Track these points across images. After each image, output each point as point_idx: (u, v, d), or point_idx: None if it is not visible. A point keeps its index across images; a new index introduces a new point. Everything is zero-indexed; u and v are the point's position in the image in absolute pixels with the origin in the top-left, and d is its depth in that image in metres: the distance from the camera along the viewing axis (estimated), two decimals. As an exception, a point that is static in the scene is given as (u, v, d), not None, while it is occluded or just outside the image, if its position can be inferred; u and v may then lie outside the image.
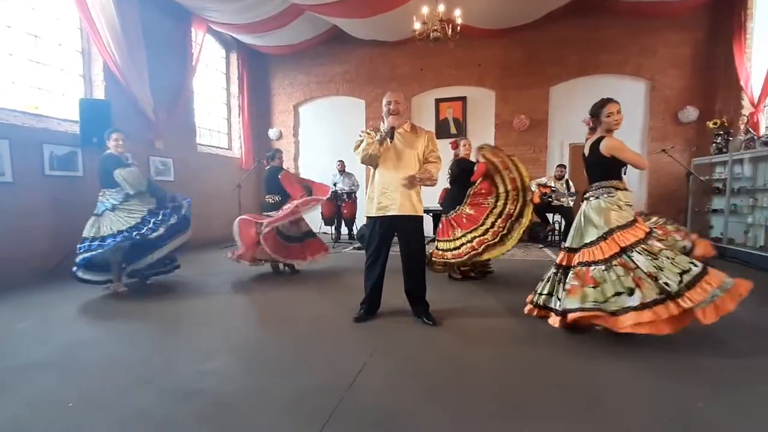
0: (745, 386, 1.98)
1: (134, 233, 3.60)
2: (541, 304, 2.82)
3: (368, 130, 2.94)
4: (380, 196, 2.88)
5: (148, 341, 2.66)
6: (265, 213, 4.58)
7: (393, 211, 2.84)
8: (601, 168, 2.68)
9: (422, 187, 2.95)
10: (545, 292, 2.81)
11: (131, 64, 5.50)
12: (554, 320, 2.64)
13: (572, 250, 2.75)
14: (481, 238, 3.89)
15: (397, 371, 2.16)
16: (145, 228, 3.65)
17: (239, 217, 4.47)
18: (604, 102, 2.66)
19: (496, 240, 3.87)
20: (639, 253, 2.44)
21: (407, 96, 8.08)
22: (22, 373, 2.17)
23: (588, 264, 2.55)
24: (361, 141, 2.88)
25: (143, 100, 5.81)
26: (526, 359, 2.31)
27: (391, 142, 2.83)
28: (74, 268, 3.64)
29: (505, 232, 3.89)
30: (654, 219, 2.88)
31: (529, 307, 2.90)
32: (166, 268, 4.23)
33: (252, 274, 4.61)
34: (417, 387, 1.98)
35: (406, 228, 2.91)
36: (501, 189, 4.02)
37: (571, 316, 2.49)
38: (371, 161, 2.88)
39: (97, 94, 5.46)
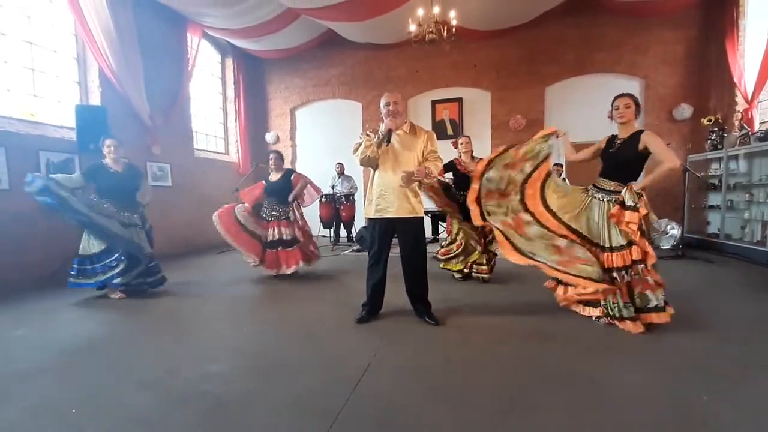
0: (748, 380, 1.99)
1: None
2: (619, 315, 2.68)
3: (368, 132, 2.94)
4: (378, 198, 2.88)
5: (148, 346, 2.64)
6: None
7: (391, 213, 2.84)
8: (631, 165, 2.68)
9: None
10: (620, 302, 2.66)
11: (127, 70, 5.49)
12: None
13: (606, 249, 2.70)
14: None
15: (402, 371, 2.16)
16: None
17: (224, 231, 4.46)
18: (616, 96, 2.75)
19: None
20: None
21: (403, 98, 8.05)
22: (20, 379, 2.15)
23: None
24: (360, 143, 2.88)
25: (139, 105, 5.80)
26: (529, 357, 2.31)
27: (387, 145, 2.82)
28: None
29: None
30: None
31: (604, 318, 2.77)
32: (151, 279, 3.99)
33: (251, 276, 4.60)
34: (421, 386, 1.98)
35: (405, 229, 2.90)
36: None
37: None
38: (370, 163, 2.88)
39: (93, 100, 5.44)
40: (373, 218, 2.91)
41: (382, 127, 2.83)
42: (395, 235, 2.95)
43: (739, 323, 2.77)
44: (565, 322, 2.84)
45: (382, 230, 2.90)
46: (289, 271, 4.40)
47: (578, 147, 3.12)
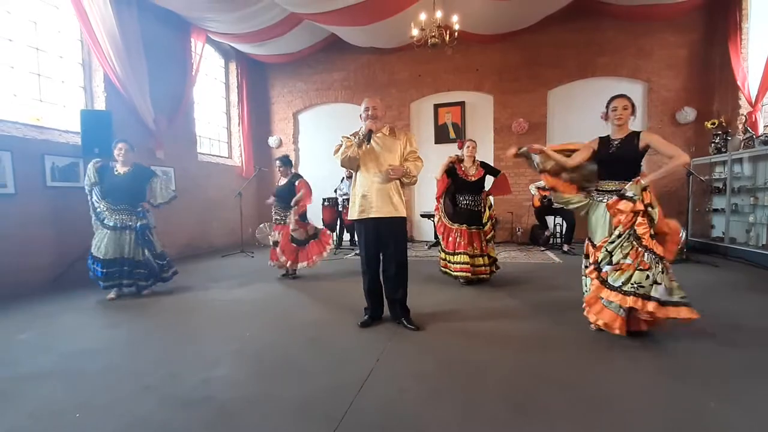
0: (757, 386, 1.97)
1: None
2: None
3: (348, 135, 2.96)
4: (360, 199, 2.89)
5: (152, 349, 2.64)
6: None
7: (373, 214, 2.86)
8: (632, 164, 2.68)
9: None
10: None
11: (132, 75, 5.53)
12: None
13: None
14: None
15: (406, 375, 2.15)
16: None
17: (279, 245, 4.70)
18: (613, 97, 2.74)
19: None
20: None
21: (406, 102, 8.14)
22: (24, 383, 2.16)
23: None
24: (341, 145, 2.91)
25: (144, 110, 5.84)
26: (533, 360, 2.30)
27: (368, 144, 2.83)
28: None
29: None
30: None
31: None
32: (166, 276, 4.22)
33: (254, 280, 4.60)
34: (425, 390, 1.97)
35: (387, 230, 2.90)
36: None
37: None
38: (351, 165, 2.90)
39: (98, 105, 5.48)
40: (357, 219, 2.93)
41: (362, 129, 2.85)
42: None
43: (746, 328, 2.75)
44: (566, 326, 2.83)
45: (368, 232, 2.92)
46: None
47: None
